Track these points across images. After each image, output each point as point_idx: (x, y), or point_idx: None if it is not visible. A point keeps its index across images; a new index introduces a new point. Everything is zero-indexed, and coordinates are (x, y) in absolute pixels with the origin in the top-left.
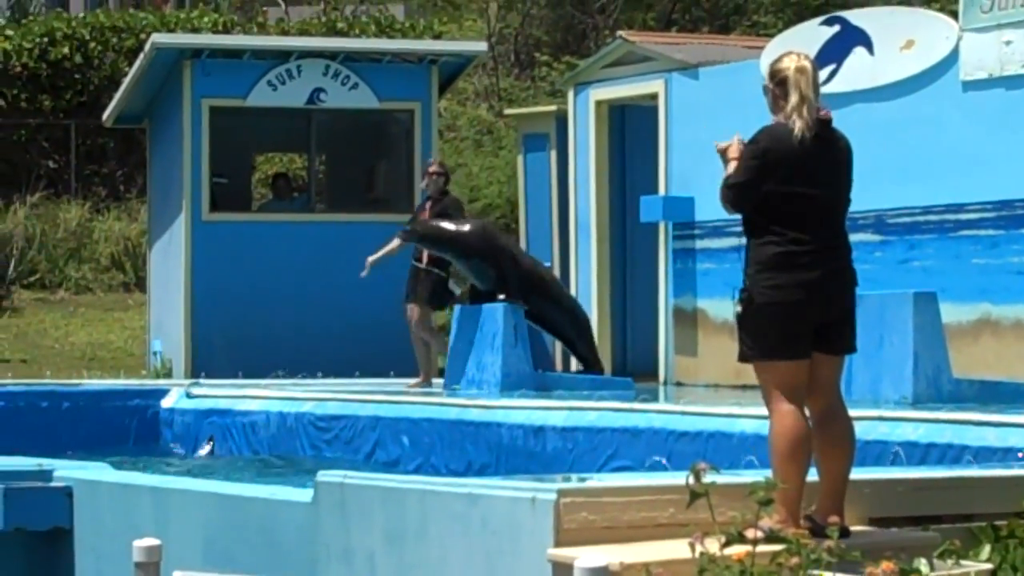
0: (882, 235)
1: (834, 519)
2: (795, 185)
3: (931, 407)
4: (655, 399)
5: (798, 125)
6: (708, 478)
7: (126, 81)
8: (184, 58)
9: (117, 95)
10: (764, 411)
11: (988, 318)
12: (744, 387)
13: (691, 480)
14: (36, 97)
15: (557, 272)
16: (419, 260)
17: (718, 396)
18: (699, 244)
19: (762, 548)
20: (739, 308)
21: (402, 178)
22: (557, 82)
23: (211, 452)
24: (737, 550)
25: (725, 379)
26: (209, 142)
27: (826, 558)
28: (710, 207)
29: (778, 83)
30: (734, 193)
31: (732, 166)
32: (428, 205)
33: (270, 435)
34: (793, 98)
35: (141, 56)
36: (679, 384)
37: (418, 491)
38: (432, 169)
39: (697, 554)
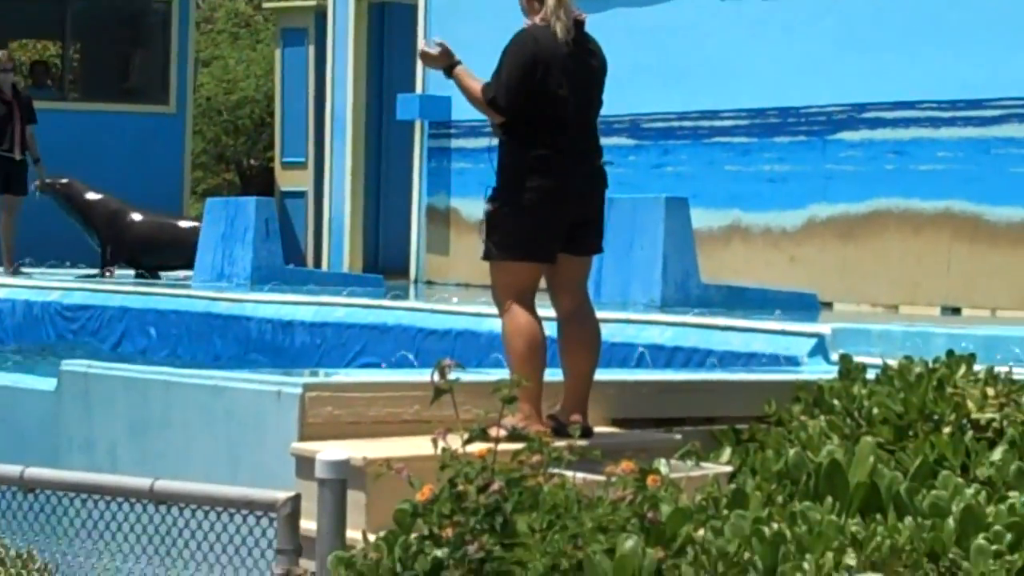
0: (637, 139)
1: (576, 418)
2: (552, 88)
3: (678, 311)
4: (405, 297)
5: (559, 28)
6: (453, 375)
7: None
8: None
9: None
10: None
11: (738, 224)
12: None
13: (436, 377)
14: None
15: (311, 169)
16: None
17: (468, 295)
18: (454, 144)
19: (504, 446)
20: (488, 207)
21: (158, 69)
22: None
23: None
24: (480, 447)
25: (476, 279)
26: None
27: (567, 456)
28: (467, 107)
29: None
30: (506, 100)
31: (463, 73)
32: (16, 108)
33: (15, 324)
34: (551, 1)
35: None
36: (430, 283)
37: (162, 382)
38: (4, 64)
39: (439, 450)
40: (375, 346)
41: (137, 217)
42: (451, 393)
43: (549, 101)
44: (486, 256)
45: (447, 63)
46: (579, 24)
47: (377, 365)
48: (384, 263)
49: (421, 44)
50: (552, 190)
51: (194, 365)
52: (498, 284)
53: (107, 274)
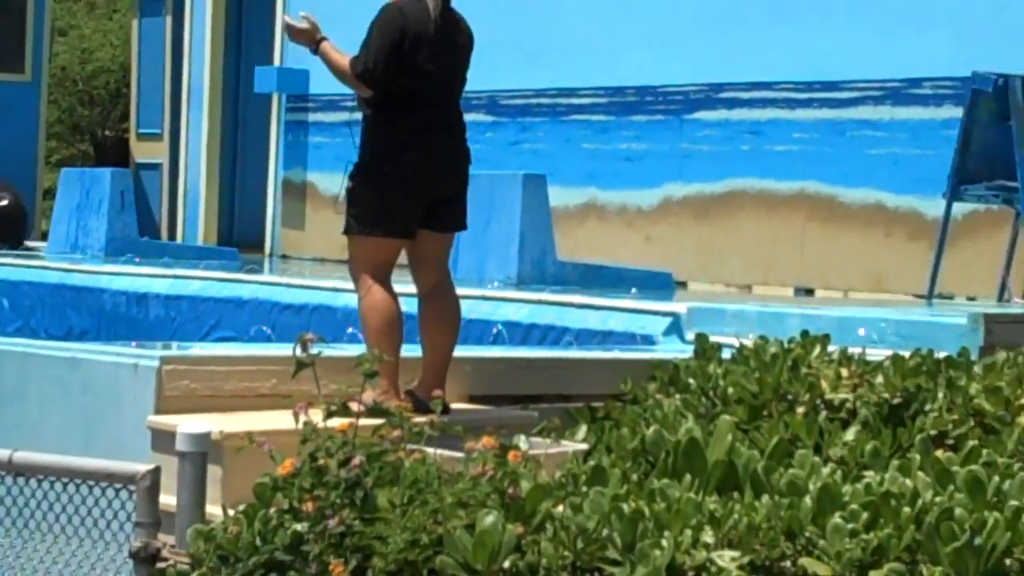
0: (495, 116)
1: (437, 393)
2: (420, 63)
3: (535, 288)
4: (260, 271)
5: (430, 3)
6: (314, 349)
7: None
8: None
9: None
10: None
11: (595, 202)
12: None
13: (298, 351)
14: None
15: (167, 141)
16: None
17: (324, 270)
18: (312, 117)
19: (365, 421)
20: (350, 183)
21: (13, 37)
22: None
23: None
24: (340, 422)
25: (331, 253)
26: None
27: (428, 432)
28: (325, 81)
29: None
30: (377, 73)
31: (329, 48)
32: None
33: None
34: None
35: None
36: (285, 257)
37: (18, 353)
38: None
39: (300, 424)
40: (231, 320)
41: None
42: (312, 367)
43: (416, 76)
44: (346, 231)
45: (313, 39)
46: (446, 0)
47: (233, 339)
48: (239, 237)
49: (284, 18)
50: (415, 166)
51: (49, 337)
52: (356, 259)
53: None
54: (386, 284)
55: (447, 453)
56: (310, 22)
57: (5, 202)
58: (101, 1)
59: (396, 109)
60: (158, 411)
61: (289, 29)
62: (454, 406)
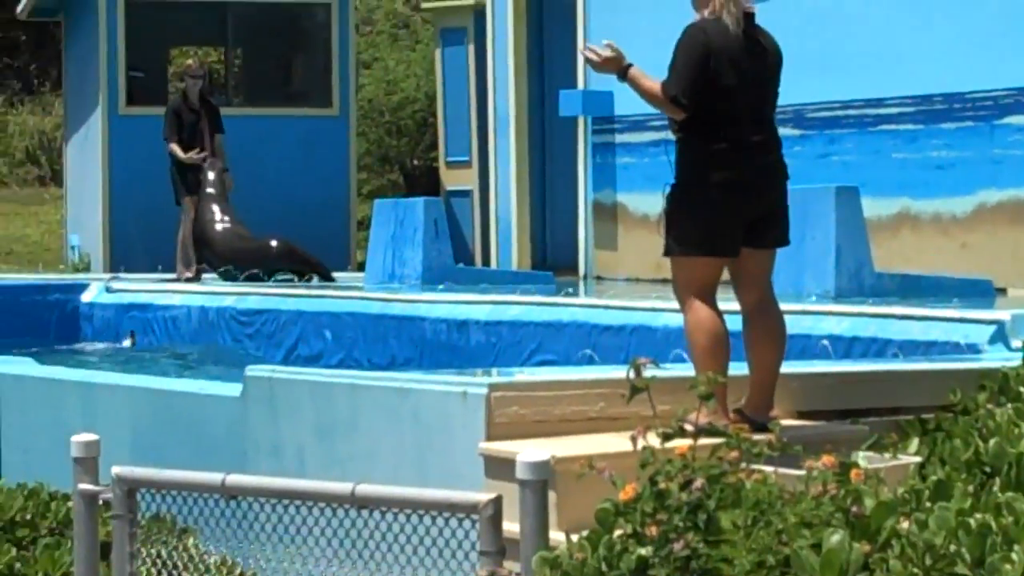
0: (802, 129)
1: (775, 413)
2: (725, 81)
3: (854, 301)
4: (576, 293)
5: (730, 21)
6: (648, 372)
7: None
8: None
9: None
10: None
11: (907, 212)
12: (664, 281)
13: (631, 375)
14: None
15: (475, 167)
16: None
17: (638, 290)
18: (618, 138)
19: (701, 442)
20: (667, 204)
21: (320, 72)
22: None
23: (132, 346)
24: (678, 444)
25: (645, 273)
26: (125, 36)
27: (767, 452)
28: (629, 101)
29: None
30: (687, 96)
31: (638, 74)
32: (204, 117)
33: (191, 329)
34: None
35: None
36: (599, 278)
37: (348, 385)
38: (194, 69)
39: (639, 448)
40: (551, 343)
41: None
42: (648, 391)
43: (724, 94)
44: (667, 252)
45: (619, 67)
46: (749, 17)
47: (553, 362)
48: (552, 260)
49: (585, 52)
50: (730, 184)
51: (371, 368)
52: (679, 280)
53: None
54: (710, 303)
55: (787, 472)
56: (614, 50)
57: (275, 242)
58: (403, 33)
59: (707, 128)
60: (488, 438)
61: (593, 60)
62: (782, 423)
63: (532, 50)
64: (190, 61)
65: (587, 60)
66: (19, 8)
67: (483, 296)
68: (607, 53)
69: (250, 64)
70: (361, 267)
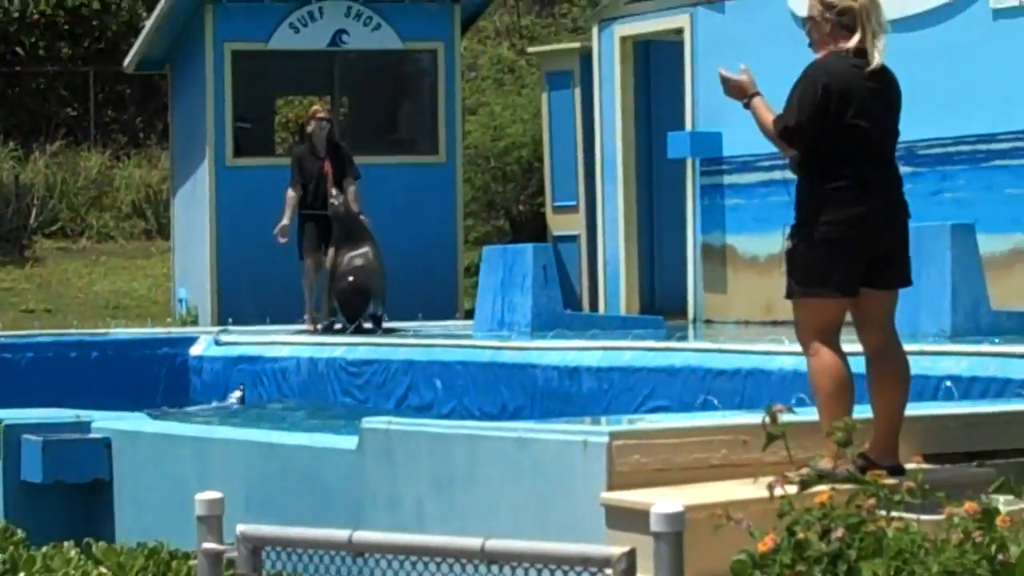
0: (913, 166)
1: (916, 458)
2: (849, 119)
3: (971, 340)
4: (688, 337)
5: (876, 59)
6: (784, 419)
7: (147, 26)
8: (205, 2)
9: (138, 40)
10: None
11: (1022, 248)
12: (775, 323)
13: (767, 421)
14: (54, 45)
15: (583, 212)
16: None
17: (749, 333)
18: (727, 179)
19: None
20: (789, 244)
21: (426, 119)
22: (578, 19)
23: (241, 400)
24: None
25: (755, 315)
26: (231, 87)
27: (908, 499)
28: (737, 142)
29: (840, 13)
30: (797, 135)
31: (760, 105)
32: (326, 161)
33: (301, 381)
34: (868, 29)
35: (162, 1)
36: (709, 321)
37: (466, 436)
38: (321, 115)
39: (776, 497)
40: (664, 389)
41: None
42: (784, 438)
43: (847, 132)
44: (788, 295)
45: (746, 93)
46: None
47: (667, 408)
48: (661, 304)
49: (721, 71)
50: (851, 223)
51: (482, 417)
52: (801, 322)
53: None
54: (834, 345)
55: (927, 518)
56: (748, 75)
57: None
58: (509, 78)
59: (828, 166)
60: (609, 487)
61: (725, 81)
62: (907, 466)
63: (639, 93)
64: (316, 107)
65: (723, 79)
66: (126, 61)
67: (594, 342)
68: (741, 78)
69: (356, 112)
70: (469, 314)
